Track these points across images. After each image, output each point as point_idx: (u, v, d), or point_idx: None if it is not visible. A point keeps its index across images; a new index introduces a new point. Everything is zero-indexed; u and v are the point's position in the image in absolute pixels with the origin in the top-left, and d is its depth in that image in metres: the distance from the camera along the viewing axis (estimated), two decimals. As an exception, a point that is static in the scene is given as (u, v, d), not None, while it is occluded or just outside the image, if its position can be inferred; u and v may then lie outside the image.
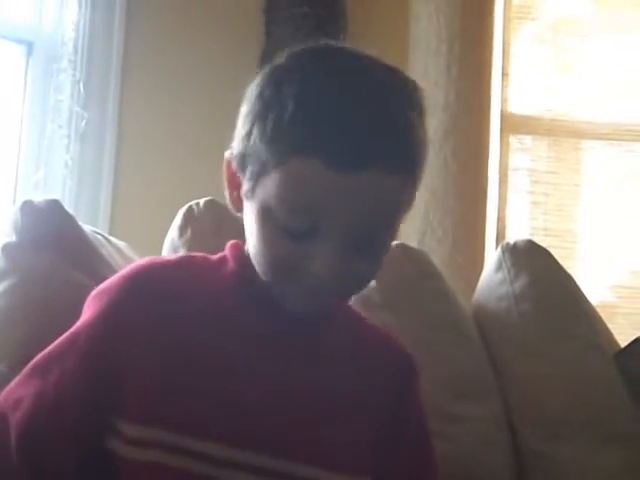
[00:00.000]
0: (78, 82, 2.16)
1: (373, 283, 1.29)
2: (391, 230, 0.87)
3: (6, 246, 1.13)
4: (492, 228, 2.66)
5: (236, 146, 0.87)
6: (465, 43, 2.50)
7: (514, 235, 2.67)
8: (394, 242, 1.34)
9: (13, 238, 1.13)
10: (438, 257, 2.29)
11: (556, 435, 1.29)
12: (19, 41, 2.18)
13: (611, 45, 2.80)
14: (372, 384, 0.95)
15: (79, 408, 0.85)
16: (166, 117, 2.29)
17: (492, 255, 1.51)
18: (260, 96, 0.85)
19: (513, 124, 2.76)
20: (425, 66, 2.49)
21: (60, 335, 0.92)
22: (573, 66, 2.80)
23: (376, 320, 1.26)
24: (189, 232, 1.26)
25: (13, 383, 0.89)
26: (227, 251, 0.94)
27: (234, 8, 2.47)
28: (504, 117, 2.73)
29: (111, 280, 0.91)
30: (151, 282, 0.89)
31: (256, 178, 0.85)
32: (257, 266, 0.87)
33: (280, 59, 0.87)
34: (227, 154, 0.90)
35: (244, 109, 0.87)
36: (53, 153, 2.13)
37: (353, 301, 0.97)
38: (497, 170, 2.70)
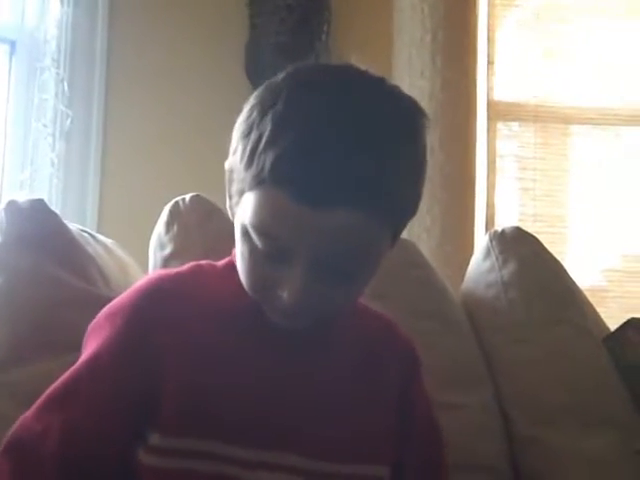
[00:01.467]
0: (62, 80, 2.15)
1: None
2: (366, 266, 0.84)
3: (-9, 247, 1.12)
4: (481, 215, 2.66)
5: (229, 159, 0.87)
6: (449, 32, 2.50)
7: (503, 222, 2.68)
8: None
9: (-2, 238, 1.13)
10: (427, 246, 2.29)
11: (547, 420, 1.30)
12: (2, 40, 2.17)
13: (596, 30, 2.80)
14: (379, 374, 0.95)
15: (118, 429, 0.84)
16: (151, 113, 2.29)
17: (480, 243, 1.52)
18: (250, 114, 0.83)
19: (500, 111, 2.76)
20: (410, 56, 2.49)
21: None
22: (558, 52, 2.80)
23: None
24: (175, 228, 1.25)
25: (28, 417, 0.86)
26: (233, 257, 0.93)
27: (218, 2, 2.46)
28: (490, 104, 2.73)
29: (121, 298, 0.91)
30: (165, 291, 0.89)
31: (238, 195, 0.84)
32: (242, 282, 0.87)
33: (278, 77, 0.85)
34: (226, 164, 0.89)
35: (237, 123, 0.86)
36: (38, 152, 2.12)
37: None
38: (485, 157, 2.71)
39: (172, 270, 0.96)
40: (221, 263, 0.95)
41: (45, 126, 2.12)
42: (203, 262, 0.97)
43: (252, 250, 0.83)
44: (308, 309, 0.83)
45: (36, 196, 1.22)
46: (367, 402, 0.92)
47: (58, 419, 0.84)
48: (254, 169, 0.80)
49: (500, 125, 2.77)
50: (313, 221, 0.78)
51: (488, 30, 2.75)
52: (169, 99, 2.31)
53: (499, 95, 2.76)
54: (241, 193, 0.83)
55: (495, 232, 1.48)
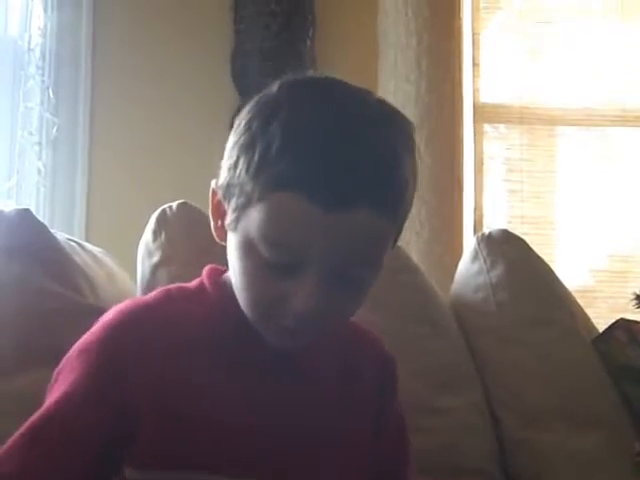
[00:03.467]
0: (47, 88, 2.14)
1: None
2: (375, 269, 0.84)
3: (-23, 257, 1.12)
4: (469, 217, 2.67)
5: (222, 176, 0.86)
6: (434, 35, 2.50)
7: (491, 224, 2.68)
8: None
9: (-16, 248, 1.13)
10: (416, 248, 2.30)
11: (536, 422, 1.30)
12: (-14, 48, 2.16)
13: (580, 31, 2.81)
14: (359, 391, 0.94)
15: (93, 469, 0.83)
16: (138, 120, 2.28)
17: (468, 246, 1.52)
18: (248, 127, 0.83)
19: (486, 113, 2.77)
20: (395, 59, 2.49)
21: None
22: (543, 53, 2.81)
23: (354, 316, 1.27)
24: (163, 235, 1.25)
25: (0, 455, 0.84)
26: (205, 278, 0.92)
27: (202, 8, 2.46)
28: (476, 107, 2.74)
29: (91, 334, 0.88)
30: (134, 324, 0.87)
31: (240, 210, 0.83)
32: (240, 301, 0.85)
33: (270, 89, 0.84)
34: (213, 183, 0.88)
35: (232, 139, 0.85)
36: (25, 160, 2.11)
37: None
38: (472, 160, 2.71)
39: (140, 300, 0.94)
40: (192, 285, 0.94)
41: (31, 134, 2.11)
42: (172, 287, 0.95)
43: (257, 263, 0.81)
44: (318, 319, 0.81)
45: (23, 205, 1.22)
46: (346, 426, 0.91)
47: (30, 459, 0.82)
48: (265, 177, 0.79)
49: (486, 127, 2.78)
50: (328, 224, 0.78)
51: (473, 33, 2.76)
52: (155, 105, 2.31)
53: (485, 97, 2.77)
54: (246, 206, 0.82)
55: (482, 235, 1.48)
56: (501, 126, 2.81)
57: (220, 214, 0.87)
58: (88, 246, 1.32)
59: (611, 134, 2.83)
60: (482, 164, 2.75)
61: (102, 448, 0.83)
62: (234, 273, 0.85)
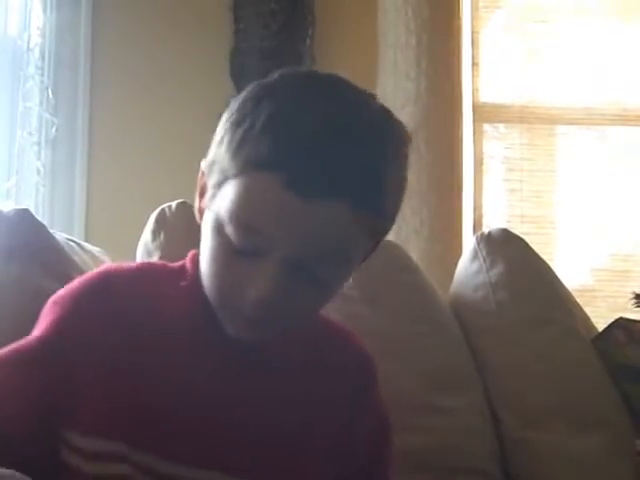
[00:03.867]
0: (46, 88, 2.14)
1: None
2: (342, 270, 0.82)
3: (-24, 257, 1.12)
4: (469, 217, 2.67)
5: (209, 153, 0.85)
6: (434, 34, 2.50)
7: (491, 223, 2.68)
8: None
9: (-17, 249, 1.12)
10: (415, 248, 2.30)
11: (536, 422, 1.30)
12: (-15, 48, 2.16)
13: (579, 30, 2.81)
14: (329, 390, 0.92)
15: (26, 420, 0.82)
16: (137, 120, 2.28)
17: (468, 245, 1.52)
18: (239, 107, 0.82)
19: (485, 113, 2.77)
20: (395, 59, 2.49)
21: None
22: (543, 52, 2.81)
23: (354, 315, 1.27)
24: (162, 235, 1.25)
25: None
26: (189, 261, 0.91)
27: (202, 7, 2.46)
28: (476, 106, 2.74)
29: (68, 287, 0.89)
30: (109, 286, 0.87)
31: (217, 187, 0.81)
32: (205, 285, 0.84)
33: (269, 77, 0.84)
34: (203, 162, 0.87)
35: (224, 117, 0.84)
36: (24, 160, 2.11)
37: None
38: (472, 159, 2.71)
39: (122, 267, 0.93)
40: (176, 265, 0.92)
41: (30, 134, 2.11)
42: (157, 262, 0.95)
43: (224, 245, 0.80)
44: (273, 312, 0.79)
45: (22, 205, 1.22)
46: (310, 422, 0.89)
47: None
48: (244, 154, 0.78)
49: (486, 127, 2.78)
50: (300, 212, 0.75)
51: (472, 32, 2.76)
52: (154, 105, 2.31)
53: (484, 97, 2.77)
54: (221, 184, 0.80)
55: (482, 234, 1.48)
56: (501, 125, 2.81)
57: (203, 193, 0.86)
58: (87, 246, 1.32)
59: (611, 133, 2.83)
60: (482, 163, 2.75)
61: (45, 404, 0.82)
62: (202, 254, 0.84)
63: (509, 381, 1.34)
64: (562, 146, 2.86)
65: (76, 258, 1.21)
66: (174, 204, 1.28)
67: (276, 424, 0.87)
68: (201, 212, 0.86)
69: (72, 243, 1.26)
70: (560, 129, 2.84)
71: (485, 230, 1.50)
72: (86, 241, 1.38)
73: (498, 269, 1.42)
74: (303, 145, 0.76)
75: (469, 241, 1.54)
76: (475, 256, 1.45)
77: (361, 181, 0.77)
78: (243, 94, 0.84)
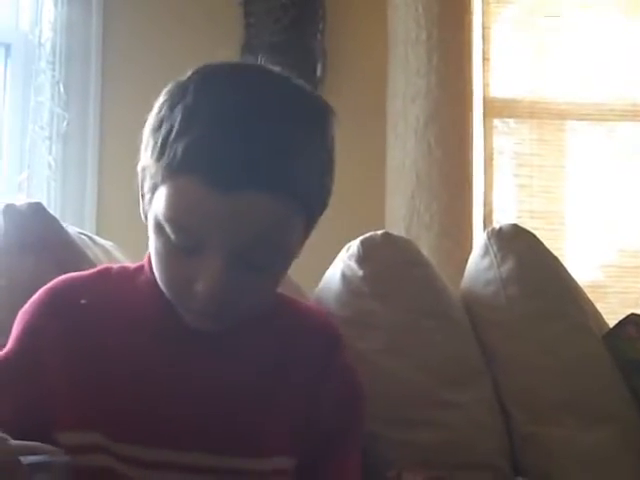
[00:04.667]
0: (58, 83, 2.15)
1: (360, 272, 1.30)
2: (283, 254, 0.86)
3: (-10, 250, 1.12)
4: (479, 212, 2.66)
5: (141, 158, 0.88)
6: (444, 29, 2.49)
7: (501, 218, 2.68)
8: (378, 232, 1.35)
9: (-4, 242, 1.13)
10: (426, 243, 2.29)
11: (546, 416, 1.30)
12: (-3, 42, 2.17)
13: (590, 25, 2.80)
14: (289, 366, 0.95)
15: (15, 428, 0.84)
16: (148, 114, 2.28)
17: (478, 241, 1.52)
18: (158, 111, 0.86)
19: (496, 108, 2.76)
20: (405, 54, 2.49)
21: None
22: (553, 48, 2.80)
23: (365, 311, 1.27)
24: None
25: None
26: (145, 259, 0.95)
27: (213, 2, 2.46)
28: (486, 101, 2.73)
29: (32, 299, 0.94)
30: (66, 299, 0.92)
31: (151, 192, 0.85)
32: (159, 282, 0.88)
33: (185, 76, 0.87)
34: (138, 166, 0.90)
35: (148, 121, 0.88)
36: (35, 155, 2.12)
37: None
38: (482, 154, 2.71)
39: (80, 274, 0.98)
40: (133, 266, 0.97)
41: (42, 128, 2.12)
42: (115, 266, 0.99)
43: (166, 244, 0.84)
44: (224, 304, 0.83)
45: (34, 199, 1.22)
46: (272, 396, 0.93)
47: None
48: (165, 160, 0.81)
49: (496, 122, 2.77)
50: (223, 206, 0.79)
51: (483, 27, 2.75)
52: (165, 100, 2.31)
53: (495, 92, 2.76)
54: (154, 189, 0.84)
55: (493, 230, 1.48)
56: (511, 121, 2.80)
57: (143, 195, 0.89)
58: (99, 240, 1.32)
59: (620, 129, 2.82)
60: (492, 159, 2.74)
61: (27, 412, 0.87)
62: (151, 254, 0.87)
63: (519, 376, 1.34)
64: (572, 141, 2.85)
65: (88, 252, 1.22)
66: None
67: (244, 401, 0.91)
68: (145, 214, 0.90)
69: (84, 237, 1.27)
70: (570, 124, 2.84)
71: (496, 225, 1.50)
72: (97, 235, 1.39)
73: (509, 264, 1.42)
74: (215, 142, 0.79)
75: (480, 236, 1.54)
76: (486, 251, 1.45)
77: (274, 167, 0.80)
78: (163, 94, 0.88)
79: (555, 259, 1.49)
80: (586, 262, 2.72)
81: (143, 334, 0.91)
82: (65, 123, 2.14)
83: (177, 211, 0.82)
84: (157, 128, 0.84)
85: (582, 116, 2.81)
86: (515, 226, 1.50)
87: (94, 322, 0.91)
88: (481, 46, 2.73)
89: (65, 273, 1.11)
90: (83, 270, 1.15)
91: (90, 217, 2.17)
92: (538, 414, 1.30)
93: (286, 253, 0.87)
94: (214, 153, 0.79)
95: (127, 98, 2.27)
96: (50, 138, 2.12)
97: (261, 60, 0.91)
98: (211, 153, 0.79)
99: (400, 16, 2.52)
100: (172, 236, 0.82)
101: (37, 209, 1.17)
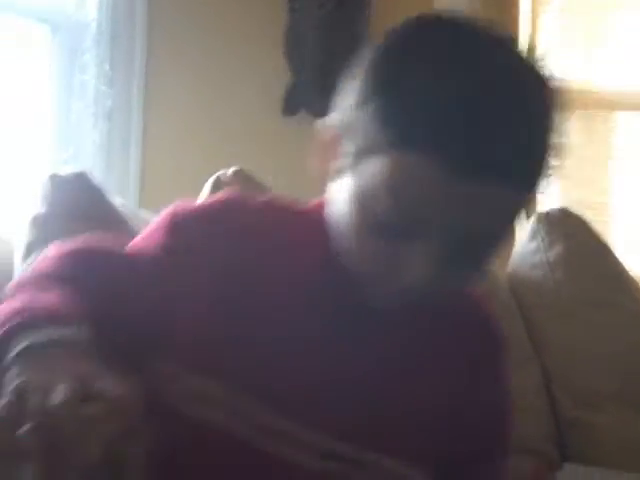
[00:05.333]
0: (103, 61, 2.15)
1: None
2: (499, 243, 0.76)
3: (36, 218, 1.13)
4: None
5: (341, 114, 0.77)
6: (493, 15, 2.44)
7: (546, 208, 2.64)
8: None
9: (42, 210, 1.14)
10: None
11: (594, 403, 1.28)
12: (43, 22, 2.18)
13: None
14: (443, 364, 0.85)
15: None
16: (191, 92, 2.28)
17: (526, 225, 1.49)
18: (384, 68, 0.73)
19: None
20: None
21: None
22: (602, 37, 2.75)
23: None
24: (218, 203, 1.24)
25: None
26: (314, 207, 0.84)
27: (258, -15, 2.45)
28: (533, 89, 2.69)
29: (188, 208, 0.84)
30: (225, 220, 0.82)
31: (359, 156, 0.74)
32: (342, 252, 0.78)
33: (402, 28, 0.75)
34: (326, 120, 0.79)
35: (359, 74, 0.75)
36: (81, 132, 2.13)
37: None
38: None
39: (247, 197, 0.86)
40: (303, 209, 0.86)
41: (87, 107, 2.12)
42: (280, 198, 0.87)
43: (369, 224, 0.74)
44: (426, 290, 0.74)
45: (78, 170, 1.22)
46: (422, 389, 0.83)
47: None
48: (398, 128, 0.70)
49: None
50: (457, 194, 0.69)
51: (532, 14, 2.71)
52: (209, 79, 2.31)
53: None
54: (365, 154, 0.73)
55: (541, 214, 1.46)
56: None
57: (330, 155, 0.78)
58: (142, 213, 1.32)
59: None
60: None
61: (145, 321, 0.78)
62: (339, 222, 0.78)
63: (566, 360, 1.32)
64: (619, 132, 2.80)
65: (130, 223, 1.21)
66: (230, 171, 1.28)
67: (388, 388, 0.82)
68: (325, 173, 0.79)
69: (127, 210, 1.27)
70: (618, 115, 2.79)
71: (545, 209, 1.47)
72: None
73: (557, 249, 1.39)
74: (462, 122, 0.69)
75: (525, 222, 1.51)
76: (534, 235, 1.43)
77: (524, 164, 0.72)
78: (378, 49, 0.75)
79: (605, 245, 1.46)
80: (632, 254, 2.67)
81: (302, 293, 0.80)
82: (110, 101, 2.15)
83: (401, 191, 0.71)
84: (387, 86, 0.72)
85: (630, 106, 2.76)
86: (564, 210, 1.47)
87: (249, 258, 0.80)
88: (529, 34, 2.69)
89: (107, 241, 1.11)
90: (126, 239, 1.15)
91: (134, 193, 2.17)
92: (586, 400, 1.28)
93: (502, 243, 0.76)
94: (462, 133, 0.69)
95: (171, 76, 2.26)
96: (95, 115, 2.12)
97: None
98: (459, 133, 0.69)
99: (447, 1, 2.49)
100: (382, 215, 0.72)
101: (82, 178, 1.17)
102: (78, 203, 1.14)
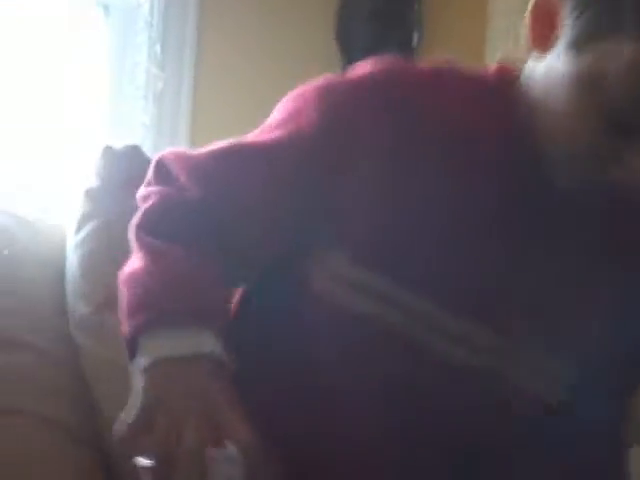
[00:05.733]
0: (154, 43, 2.16)
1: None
2: None
3: (89, 190, 1.14)
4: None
5: None
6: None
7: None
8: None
9: (95, 183, 1.14)
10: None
11: None
12: (96, 4, 2.19)
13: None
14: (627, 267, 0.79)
15: (265, 216, 0.76)
16: (242, 77, 2.28)
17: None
18: None
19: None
20: (507, 26, 2.41)
21: None
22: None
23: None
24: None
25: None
26: (494, 74, 0.78)
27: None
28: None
29: (338, 81, 0.79)
30: (397, 93, 0.75)
31: (591, 35, 0.70)
32: (543, 130, 0.72)
33: None
34: None
35: None
36: (131, 114, 2.14)
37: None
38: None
39: (410, 67, 0.79)
40: (478, 77, 0.79)
41: (137, 89, 2.14)
42: (453, 66, 0.80)
43: (590, 112, 0.69)
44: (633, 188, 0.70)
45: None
46: (598, 298, 0.78)
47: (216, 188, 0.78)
48: None
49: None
50: None
51: None
52: (260, 63, 2.30)
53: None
54: (601, 36, 0.69)
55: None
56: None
57: (548, 23, 0.74)
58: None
59: None
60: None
61: (299, 206, 0.73)
62: (552, 100, 0.72)
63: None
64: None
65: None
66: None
67: (564, 290, 0.76)
68: (539, 41, 0.75)
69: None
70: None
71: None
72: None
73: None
74: None
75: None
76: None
77: None
78: None
79: None
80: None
81: (477, 176, 0.73)
82: (161, 83, 2.15)
83: None
84: None
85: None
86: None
87: (418, 137, 0.73)
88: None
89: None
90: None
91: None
92: None
93: None
94: None
95: (222, 59, 2.26)
96: (145, 98, 2.14)
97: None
98: None
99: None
100: (615, 104, 0.67)
101: (135, 151, 1.18)
102: (131, 176, 1.13)
